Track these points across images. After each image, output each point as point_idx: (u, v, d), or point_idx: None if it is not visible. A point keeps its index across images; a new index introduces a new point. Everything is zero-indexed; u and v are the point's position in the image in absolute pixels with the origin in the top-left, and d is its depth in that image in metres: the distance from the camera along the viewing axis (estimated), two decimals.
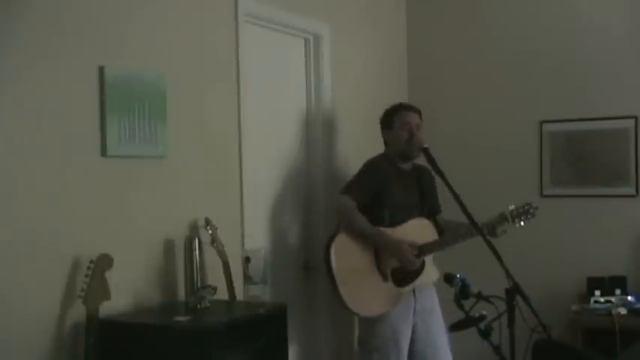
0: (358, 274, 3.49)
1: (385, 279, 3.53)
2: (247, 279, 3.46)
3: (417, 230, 3.62)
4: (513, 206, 3.55)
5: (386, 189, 3.60)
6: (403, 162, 3.72)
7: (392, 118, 3.74)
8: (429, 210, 3.79)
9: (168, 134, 3.08)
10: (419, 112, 3.75)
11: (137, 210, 2.96)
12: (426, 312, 3.67)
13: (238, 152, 3.48)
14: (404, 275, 3.56)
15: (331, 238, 3.51)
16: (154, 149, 3.03)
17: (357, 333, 3.85)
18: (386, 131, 3.77)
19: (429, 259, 3.64)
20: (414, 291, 3.63)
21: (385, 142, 3.80)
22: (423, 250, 3.56)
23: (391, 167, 3.69)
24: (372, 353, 3.59)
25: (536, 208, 3.58)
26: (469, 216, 2.94)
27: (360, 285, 3.48)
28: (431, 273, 3.65)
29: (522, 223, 3.56)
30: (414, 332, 3.64)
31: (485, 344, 2.55)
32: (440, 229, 3.75)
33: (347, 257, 3.48)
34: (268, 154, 3.80)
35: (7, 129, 2.50)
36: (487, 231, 3.38)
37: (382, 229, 3.54)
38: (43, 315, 2.60)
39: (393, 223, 3.58)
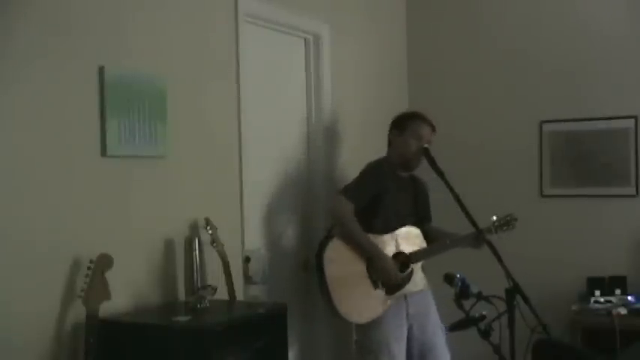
0: (350, 281, 3.50)
1: (375, 286, 3.53)
2: (247, 279, 3.46)
3: (406, 238, 3.64)
4: (495, 217, 3.59)
5: (384, 194, 3.60)
6: (401, 170, 3.72)
7: (407, 124, 3.70)
8: (420, 218, 3.80)
9: (168, 134, 3.08)
10: (434, 129, 3.71)
11: (137, 210, 2.96)
12: (420, 315, 3.67)
13: (238, 152, 3.48)
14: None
15: (323, 244, 3.52)
16: (154, 149, 3.03)
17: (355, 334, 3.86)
18: (396, 133, 3.73)
19: (417, 267, 3.66)
20: (405, 296, 3.63)
21: (390, 144, 3.78)
22: (411, 258, 3.59)
23: (391, 173, 3.69)
24: (366, 356, 3.60)
25: (515, 220, 3.63)
26: (469, 216, 2.95)
27: (352, 292, 3.49)
28: (418, 281, 3.67)
29: (502, 234, 3.61)
30: (409, 334, 3.64)
31: (485, 344, 2.55)
32: (429, 237, 3.76)
33: (339, 264, 3.49)
34: (268, 154, 3.80)
35: (7, 129, 2.50)
36: (473, 242, 3.49)
37: (372, 235, 3.54)
38: (43, 315, 2.60)
39: (385, 230, 3.59)
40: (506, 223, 3.60)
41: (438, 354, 3.69)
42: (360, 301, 3.52)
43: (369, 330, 3.56)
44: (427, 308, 3.72)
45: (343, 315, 3.48)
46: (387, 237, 3.58)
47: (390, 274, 3.51)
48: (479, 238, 3.40)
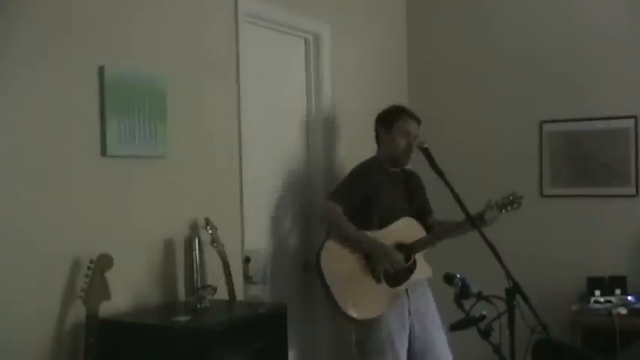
0: (351, 278, 3.49)
1: (378, 281, 3.53)
2: (247, 279, 3.46)
3: (405, 230, 3.63)
4: (499, 197, 3.53)
5: (375, 192, 3.60)
6: (392, 166, 3.73)
7: (393, 122, 3.71)
8: (418, 213, 3.79)
9: (168, 134, 3.08)
10: (419, 122, 3.73)
11: (137, 210, 2.96)
12: (420, 312, 3.66)
13: (238, 152, 3.48)
14: (397, 275, 3.57)
15: (322, 245, 3.52)
16: (154, 149, 3.03)
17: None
18: (383, 132, 3.75)
19: (420, 257, 3.65)
20: (407, 292, 3.63)
21: (378, 141, 3.80)
22: (413, 248, 3.57)
23: (380, 170, 3.69)
24: (369, 357, 3.58)
25: (520, 197, 3.51)
26: (469, 216, 2.94)
27: (354, 289, 3.48)
28: (423, 270, 3.66)
29: (506, 212, 3.47)
30: (411, 333, 3.64)
31: (485, 344, 2.55)
32: (429, 228, 3.75)
33: (338, 262, 3.49)
34: (268, 154, 3.80)
35: (7, 129, 2.50)
36: (477, 222, 3.39)
37: (369, 232, 3.54)
38: (43, 315, 2.60)
39: (382, 225, 3.59)
40: (510, 202, 3.49)
41: (439, 353, 3.68)
42: (364, 298, 3.50)
43: (371, 329, 3.54)
44: (427, 305, 3.71)
45: (349, 314, 3.47)
46: (384, 231, 3.57)
47: (393, 259, 3.49)
48: (481, 218, 3.38)
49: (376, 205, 3.59)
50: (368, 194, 3.59)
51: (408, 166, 3.81)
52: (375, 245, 3.51)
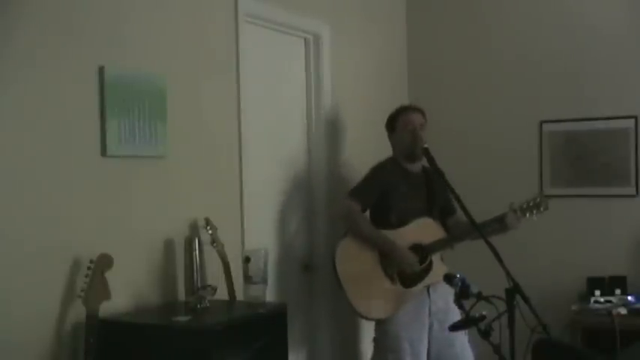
0: (364, 276, 3.50)
1: (392, 281, 3.53)
2: (247, 279, 3.45)
3: (423, 230, 3.62)
4: (524, 200, 3.52)
5: (392, 191, 3.60)
6: (410, 163, 3.72)
7: (395, 121, 3.76)
8: (441, 211, 3.77)
9: (168, 134, 3.08)
10: (422, 112, 3.75)
11: (137, 210, 2.96)
12: (441, 312, 3.63)
13: (238, 152, 3.48)
14: (412, 275, 3.56)
15: (338, 243, 3.53)
16: (153, 149, 3.03)
17: (358, 333, 3.85)
18: (390, 134, 3.79)
19: (436, 258, 3.64)
20: (428, 291, 3.62)
21: (392, 146, 3.81)
22: (429, 249, 3.57)
23: (397, 169, 3.69)
24: (387, 354, 3.58)
25: (547, 199, 3.51)
26: (469, 215, 2.95)
27: (367, 288, 3.50)
28: (438, 272, 3.64)
29: (535, 218, 3.49)
30: (430, 333, 3.63)
31: (485, 344, 2.55)
32: (449, 229, 3.74)
33: (352, 260, 3.50)
34: (268, 154, 3.80)
35: (7, 129, 2.50)
36: (497, 225, 3.40)
37: (386, 231, 3.54)
38: (43, 315, 2.60)
39: (400, 224, 3.59)
40: (536, 205, 3.49)
41: (457, 352, 3.65)
42: (376, 297, 3.51)
43: (390, 327, 3.55)
44: (448, 304, 3.65)
45: (361, 313, 3.49)
46: (401, 231, 3.58)
47: (407, 263, 3.49)
48: (502, 221, 3.38)
49: (393, 204, 3.59)
50: (385, 193, 3.59)
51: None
52: (390, 246, 3.51)
